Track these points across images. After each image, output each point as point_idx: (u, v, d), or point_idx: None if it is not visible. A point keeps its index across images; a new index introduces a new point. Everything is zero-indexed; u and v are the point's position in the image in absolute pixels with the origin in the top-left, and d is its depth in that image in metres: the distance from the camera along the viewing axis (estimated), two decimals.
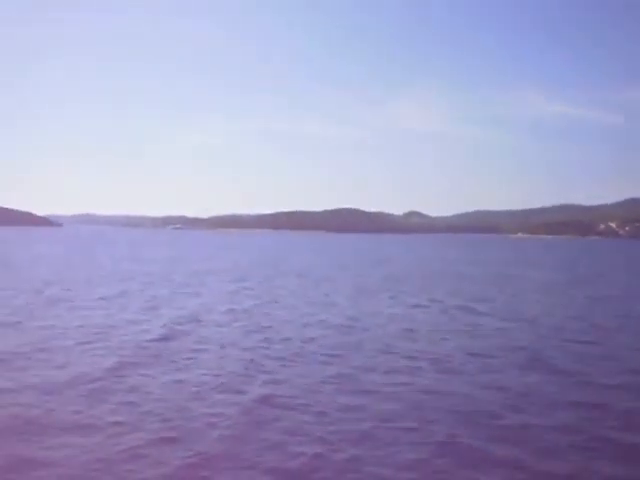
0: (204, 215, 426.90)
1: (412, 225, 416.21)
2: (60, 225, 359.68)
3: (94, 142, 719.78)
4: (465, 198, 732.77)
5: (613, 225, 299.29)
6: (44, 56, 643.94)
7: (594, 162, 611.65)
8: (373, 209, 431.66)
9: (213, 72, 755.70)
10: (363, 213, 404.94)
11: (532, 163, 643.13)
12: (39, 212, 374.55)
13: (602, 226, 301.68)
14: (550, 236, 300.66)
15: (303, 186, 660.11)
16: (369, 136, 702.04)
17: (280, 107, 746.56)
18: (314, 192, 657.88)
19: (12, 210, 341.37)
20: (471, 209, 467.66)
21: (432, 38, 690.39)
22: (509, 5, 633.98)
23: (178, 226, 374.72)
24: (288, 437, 10.99)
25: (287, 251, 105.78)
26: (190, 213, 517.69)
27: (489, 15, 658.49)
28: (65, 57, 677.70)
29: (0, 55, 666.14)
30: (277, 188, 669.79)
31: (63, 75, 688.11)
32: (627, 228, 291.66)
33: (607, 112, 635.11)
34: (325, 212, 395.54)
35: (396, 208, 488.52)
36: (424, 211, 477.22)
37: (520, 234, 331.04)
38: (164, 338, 19.91)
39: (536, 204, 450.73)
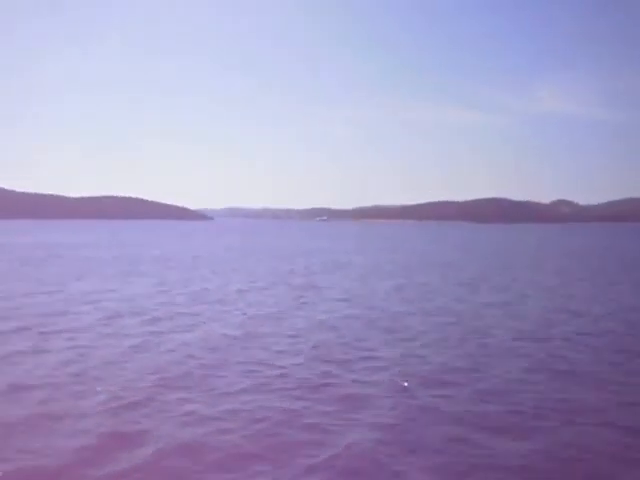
0: (347, 206, 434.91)
1: (561, 214, 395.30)
2: (212, 219, 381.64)
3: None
4: (616, 185, 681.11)
5: None
6: None
7: None
8: (520, 198, 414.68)
9: (350, 62, 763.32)
10: (509, 202, 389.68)
11: None
12: (192, 207, 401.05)
13: None
14: None
15: (445, 175, 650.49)
16: (513, 123, 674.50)
17: (419, 96, 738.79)
18: (457, 181, 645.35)
19: (171, 206, 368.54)
20: (622, 196, 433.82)
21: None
22: None
23: (324, 218, 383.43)
24: None
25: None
26: (333, 205, 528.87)
27: None
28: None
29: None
30: (420, 178, 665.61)
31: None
32: None
33: None
34: (469, 202, 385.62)
35: (543, 196, 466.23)
36: (573, 199, 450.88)
37: None
38: None
39: None
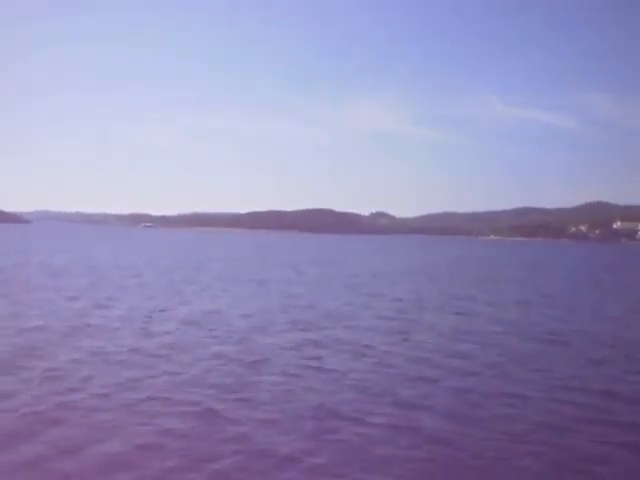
0: (172, 213, 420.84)
1: (379, 226, 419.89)
2: (29, 222, 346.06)
3: (52, 138, 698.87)
4: (428, 200, 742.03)
5: (583, 228, 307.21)
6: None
7: (554, 165, 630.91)
8: (343, 209, 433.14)
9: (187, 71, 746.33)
10: (334, 213, 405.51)
11: (492, 165, 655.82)
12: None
13: (573, 229, 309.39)
14: (523, 238, 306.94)
15: (275, 186, 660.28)
16: (335, 136, 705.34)
17: (245, 107, 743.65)
18: (287, 192, 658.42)
19: None
20: (434, 211, 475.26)
21: (392, 41, 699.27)
22: (466, 11, 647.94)
23: (149, 224, 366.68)
24: None
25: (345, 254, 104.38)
26: (155, 211, 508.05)
27: (447, 20, 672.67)
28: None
29: None
30: (250, 188, 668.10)
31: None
32: (597, 232, 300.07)
33: (564, 116, 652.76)
34: (298, 212, 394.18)
35: (364, 208, 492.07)
36: (390, 212, 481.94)
37: (492, 236, 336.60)
38: None
39: (498, 207, 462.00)
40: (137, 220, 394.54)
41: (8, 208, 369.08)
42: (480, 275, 54.85)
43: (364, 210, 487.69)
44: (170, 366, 14.95)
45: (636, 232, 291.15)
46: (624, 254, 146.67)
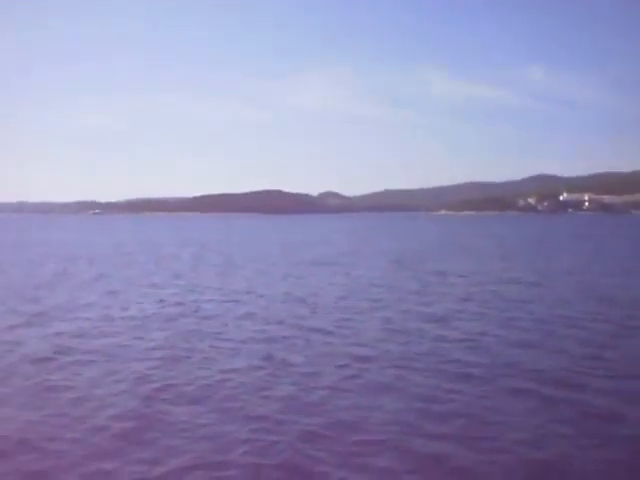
0: (117, 199, 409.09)
1: (330, 205, 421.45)
2: None
3: None
4: (378, 178, 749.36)
5: (532, 201, 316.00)
6: None
7: (499, 140, 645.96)
8: (293, 190, 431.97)
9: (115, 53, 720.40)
10: (285, 194, 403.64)
11: (440, 142, 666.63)
12: None
13: (521, 202, 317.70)
14: (473, 212, 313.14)
15: (224, 169, 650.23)
16: (278, 116, 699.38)
17: (186, 89, 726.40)
18: (235, 174, 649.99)
19: None
20: (383, 188, 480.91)
21: (337, 20, 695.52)
22: None
23: (97, 211, 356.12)
24: None
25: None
26: (101, 198, 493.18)
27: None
28: None
29: None
30: (198, 172, 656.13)
31: None
32: (545, 203, 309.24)
33: (510, 91, 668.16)
34: (249, 194, 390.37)
35: (313, 188, 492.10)
36: (340, 191, 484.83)
37: (443, 211, 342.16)
38: None
39: (445, 182, 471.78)
40: (84, 208, 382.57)
41: None
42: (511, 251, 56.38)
43: (313, 190, 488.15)
44: None
45: (583, 203, 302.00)
46: (581, 224, 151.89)
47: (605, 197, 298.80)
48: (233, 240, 79.16)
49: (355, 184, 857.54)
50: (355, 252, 52.04)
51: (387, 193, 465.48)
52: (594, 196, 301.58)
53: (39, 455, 8.79)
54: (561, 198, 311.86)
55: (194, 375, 12.87)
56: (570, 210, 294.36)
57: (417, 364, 13.60)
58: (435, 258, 44.73)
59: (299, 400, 11.20)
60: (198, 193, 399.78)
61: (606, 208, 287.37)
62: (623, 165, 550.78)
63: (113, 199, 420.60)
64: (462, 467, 8.38)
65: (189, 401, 11.21)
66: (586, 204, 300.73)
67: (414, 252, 51.46)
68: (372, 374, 12.87)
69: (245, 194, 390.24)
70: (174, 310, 21.31)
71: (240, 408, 10.75)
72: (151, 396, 11.43)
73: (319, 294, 25.32)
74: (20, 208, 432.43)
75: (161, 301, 23.46)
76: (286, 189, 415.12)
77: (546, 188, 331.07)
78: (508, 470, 8.33)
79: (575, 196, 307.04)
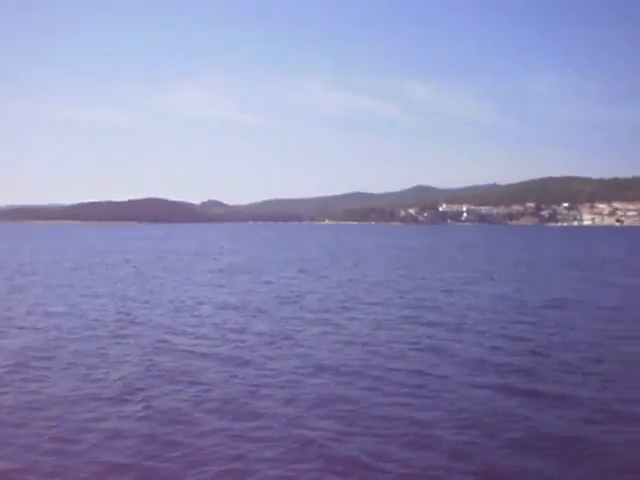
0: None
1: (214, 214, 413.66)
2: None
3: None
4: (264, 187, 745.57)
5: (412, 212, 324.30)
6: None
7: (380, 151, 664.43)
8: (176, 199, 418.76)
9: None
10: (168, 202, 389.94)
11: (324, 152, 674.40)
12: None
13: (403, 213, 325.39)
14: (356, 222, 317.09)
15: (104, 176, 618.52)
16: (158, 124, 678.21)
17: (74, 96, 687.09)
18: (116, 182, 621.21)
19: None
20: (265, 198, 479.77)
21: (223, 24, 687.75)
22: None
23: None
24: None
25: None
26: None
27: (277, 5, 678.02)
28: None
29: None
30: (76, 178, 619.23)
31: None
32: (425, 214, 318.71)
33: (393, 104, 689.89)
34: (131, 202, 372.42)
35: (196, 197, 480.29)
36: (223, 200, 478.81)
37: (327, 221, 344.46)
38: None
39: (329, 192, 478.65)
40: None
41: None
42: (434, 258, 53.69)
43: (196, 199, 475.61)
44: None
45: (461, 214, 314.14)
46: (469, 234, 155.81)
47: (482, 208, 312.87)
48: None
49: (240, 193, 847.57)
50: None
51: (272, 202, 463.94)
52: (472, 207, 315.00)
53: None
54: (440, 209, 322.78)
55: None
56: (449, 221, 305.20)
57: None
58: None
59: None
60: (84, 200, 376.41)
61: (483, 219, 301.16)
62: (501, 178, 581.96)
63: None
64: None
65: None
66: (464, 215, 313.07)
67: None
68: None
69: (127, 202, 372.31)
70: None
71: None
72: None
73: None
74: None
75: None
76: (172, 197, 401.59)
77: (425, 199, 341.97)
78: None
79: (454, 207, 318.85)
